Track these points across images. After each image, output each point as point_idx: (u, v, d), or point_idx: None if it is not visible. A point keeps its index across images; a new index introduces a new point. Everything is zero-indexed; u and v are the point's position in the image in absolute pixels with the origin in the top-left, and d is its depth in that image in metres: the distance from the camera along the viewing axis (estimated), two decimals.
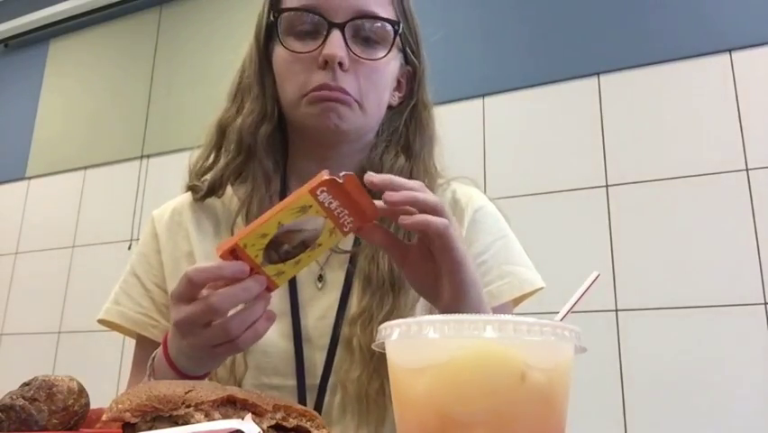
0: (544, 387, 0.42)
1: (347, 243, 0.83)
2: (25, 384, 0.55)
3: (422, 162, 0.87)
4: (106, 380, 2.19)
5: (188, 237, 0.87)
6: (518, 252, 0.88)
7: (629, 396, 1.60)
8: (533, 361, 0.42)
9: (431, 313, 0.75)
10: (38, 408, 0.53)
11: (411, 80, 0.90)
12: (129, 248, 2.40)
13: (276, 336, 0.78)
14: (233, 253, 0.60)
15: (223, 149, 0.88)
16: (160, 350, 0.68)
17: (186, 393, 0.46)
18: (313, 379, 0.78)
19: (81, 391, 0.56)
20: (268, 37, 0.86)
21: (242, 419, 0.45)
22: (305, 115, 0.81)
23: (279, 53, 0.83)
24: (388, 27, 0.82)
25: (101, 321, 0.87)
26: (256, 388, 0.75)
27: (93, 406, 0.58)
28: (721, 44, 1.72)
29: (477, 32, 2.05)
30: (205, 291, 0.61)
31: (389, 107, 0.88)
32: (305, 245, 0.62)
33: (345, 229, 0.63)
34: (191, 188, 0.89)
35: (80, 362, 2.38)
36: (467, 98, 1.99)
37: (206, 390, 0.47)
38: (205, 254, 0.85)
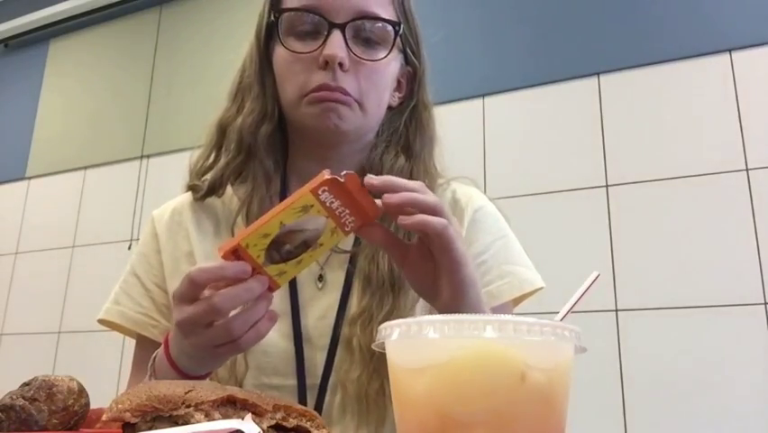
0: (544, 387, 0.42)
1: (347, 243, 0.83)
2: (25, 384, 0.55)
3: (422, 163, 0.87)
4: (106, 380, 2.19)
5: (188, 237, 0.87)
6: (518, 251, 0.88)
7: (629, 396, 1.60)
8: (533, 361, 0.42)
9: (431, 313, 0.75)
10: (38, 408, 0.53)
11: (411, 81, 0.90)
12: (129, 248, 2.40)
13: (276, 336, 0.78)
14: (235, 254, 0.60)
15: (223, 148, 0.88)
16: (161, 350, 0.68)
17: (186, 393, 0.46)
18: (313, 379, 0.78)
19: (81, 391, 0.56)
20: (268, 37, 0.86)
21: (242, 419, 0.45)
22: (305, 115, 0.81)
23: (280, 53, 0.83)
24: (389, 28, 0.82)
25: (101, 321, 0.87)
26: (256, 388, 0.75)
27: (93, 406, 0.58)
28: (721, 44, 1.72)
29: (477, 32, 2.05)
30: (207, 292, 0.61)
31: (389, 108, 0.88)
32: (306, 245, 0.62)
33: (347, 228, 0.63)
34: (191, 187, 0.89)
35: (80, 362, 2.39)
36: (467, 98, 1.99)
37: (206, 390, 0.47)
38: (206, 254, 0.85)
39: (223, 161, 0.87)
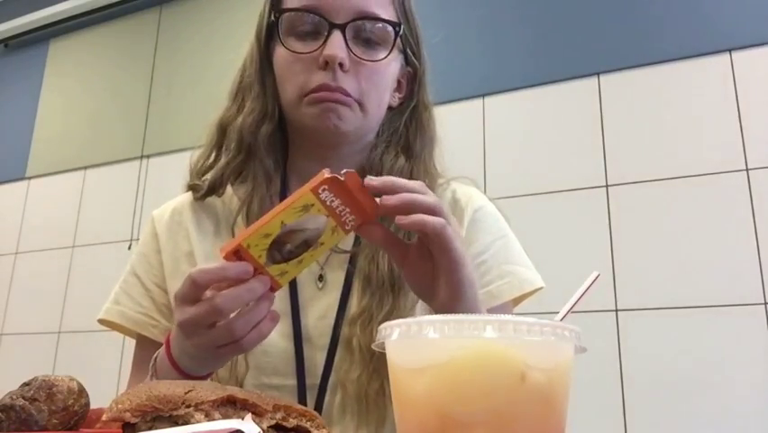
0: (544, 387, 0.42)
1: (347, 243, 0.83)
2: (25, 384, 0.55)
3: (422, 163, 0.87)
4: (106, 380, 2.19)
5: (189, 237, 0.87)
6: (518, 251, 0.88)
7: (629, 396, 1.60)
8: (533, 361, 0.42)
9: (431, 313, 0.75)
10: (38, 408, 0.53)
11: (411, 81, 0.90)
12: (129, 248, 2.40)
13: (276, 336, 0.78)
14: (237, 254, 0.60)
15: (223, 148, 0.88)
16: (162, 350, 0.68)
17: (186, 393, 0.46)
18: (313, 379, 0.78)
19: (81, 391, 0.56)
20: (269, 37, 0.86)
21: (242, 419, 0.45)
22: (305, 115, 0.81)
23: (280, 53, 0.83)
24: (389, 28, 0.82)
25: (101, 321, 0.87)
26: (256, 388, 0.75)
27: (93, 406, 0.58)
28: (721, 44, 1.72)
29: (477, 32, 2.05)
30: (209, 292, 0.61)
31: (390, 108, 0.88)
32: (307, 245, 0.62)
33: (347, 227, 0.63)
34: (191, 187, 0.89)
35: (80, 362, 2.38)
36: (467, 98, 1.99)
37: (206, 390, 0.47)
38: (206, 254, 0.85)
39: (223, 160, 0.87)
